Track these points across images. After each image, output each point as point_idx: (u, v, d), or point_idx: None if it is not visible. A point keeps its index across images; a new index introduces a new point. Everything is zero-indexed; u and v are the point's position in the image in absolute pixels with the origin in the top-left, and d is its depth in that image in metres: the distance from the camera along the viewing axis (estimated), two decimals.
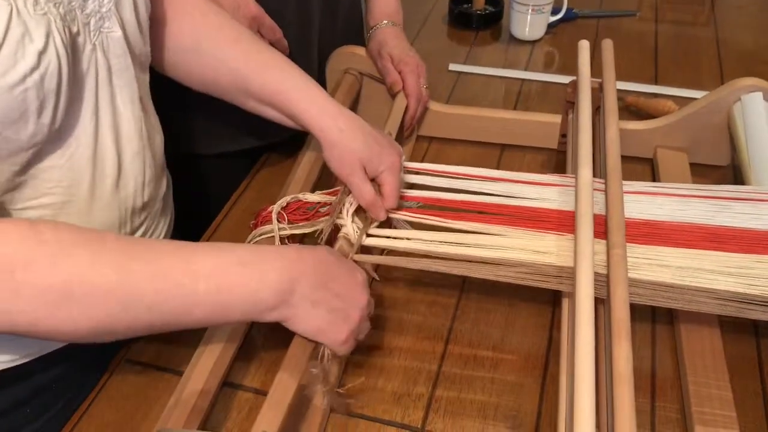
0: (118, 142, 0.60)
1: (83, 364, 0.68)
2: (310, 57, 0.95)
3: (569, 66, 1.17)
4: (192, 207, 0.86)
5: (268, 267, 0.53)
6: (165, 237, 0.72)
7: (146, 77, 0.65)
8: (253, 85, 0.70)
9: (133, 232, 0.66)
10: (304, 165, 0.81)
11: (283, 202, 0.73)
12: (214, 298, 0.50)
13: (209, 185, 0.99)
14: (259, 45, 0.71)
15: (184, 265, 0.50)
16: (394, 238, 0.69)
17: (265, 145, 0.97)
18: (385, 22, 0.95)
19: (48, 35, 0.48)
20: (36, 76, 0.48)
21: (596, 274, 0.59)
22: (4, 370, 0.60)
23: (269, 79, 0.69)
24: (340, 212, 0.70)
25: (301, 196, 0.74)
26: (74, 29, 0.52)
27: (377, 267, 0.78)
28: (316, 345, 0.58)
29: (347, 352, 0.60)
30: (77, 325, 0.47)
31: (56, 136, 0.53)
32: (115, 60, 0.58)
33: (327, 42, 0.98)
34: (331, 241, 0.70)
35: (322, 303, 0.55)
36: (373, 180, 0.70)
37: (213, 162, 0.96)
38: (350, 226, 0.70)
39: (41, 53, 0.48)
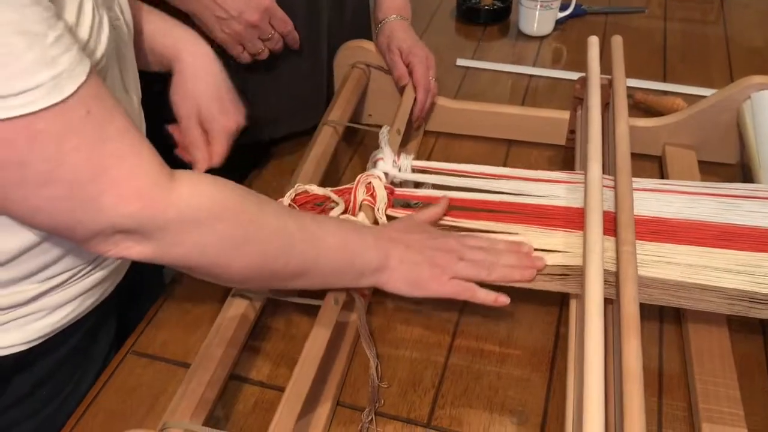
0: None
1: (86, 341, 0.69)
2: (319, 49, 0.95)
3: (577, 62, 1.17)
4: None
5: (368, 236, 0.64)
6: None
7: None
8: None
9: None
10: (312, 159, 0.80)
11: (291, 193, 0.72)
12: (337, 253, 0.61)
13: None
14: None
15: (317, 223, 0.61)
16: None
17: (269, 141, 0.97)
18: (394, 16, 0.95)
19: (109, 24, 0.53)
20: (105, 58, 0.52)
21: (605, 271, 0.58)
22: (24, 352, 0.61)
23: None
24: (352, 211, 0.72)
25: (308, 187, 0.73)
26: None
27: None
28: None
29: (452, 292, 0.65)
30: (249, 263, 0.55)
31: None
32: (122, 45, 0.60)
33: (336, 35, 0.98)
34: None
35: (410, 260, 0.64)
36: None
37: None
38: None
39: (108, 39, 0.52)
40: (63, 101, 0.43)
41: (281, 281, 0.60)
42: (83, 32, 0.48)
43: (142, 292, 0.78)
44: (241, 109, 0.74)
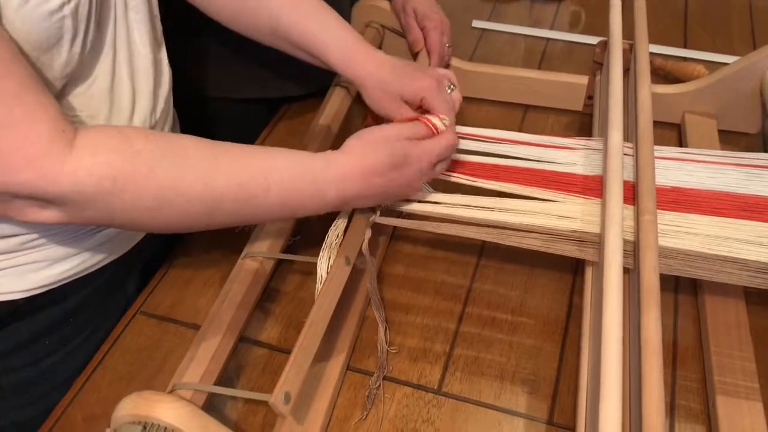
0: (133, 76, 0.61)
1: (100, 296, 0.69)
2: (342, 5, 0.92)
3: (596, 26, 1.14)
4: None
5: (326, 187, 0.57)
6: None
7: (158, 13, 0.65)
8: (292, 33, 0.71)
9: None
10: (324, 121, 0.79)
11: None
12: (282, 209, 0.57)
13: (225, 130, 0.98)
14: None
15: (259, 179, 0.54)
16: (417, 201, 0.68)
17: (284, 97, 0.96)
18: None
19: None
20: (72, 4, 0.49)
21: (623, 241, 0.57)
22: (23, 302, 0.61)
23: (307, 29, 0.71)
24: None
25: None
26: None
27: (394, 229, 0.76)
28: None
29: (420, 190, 0.66)
30: (168, 222, 0.53)
31: (80, 66, 0.54)
32: None
33: None
34: None
35: (378, 193, 0.61)
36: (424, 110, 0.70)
37: (229, 106, 0.95)
38: None
39: None
40: None
41: (221, 227, 0.57)
42: None
43: (172, 248, 0.77)
44: (420, 68, 0.73)
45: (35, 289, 0.61)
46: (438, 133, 0.65)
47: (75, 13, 0.50)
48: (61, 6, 0.48)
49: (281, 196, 0.55)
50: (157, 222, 0.52)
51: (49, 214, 0.49)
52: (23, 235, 0.58)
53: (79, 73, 0.55)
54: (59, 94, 0.54)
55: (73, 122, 0.48)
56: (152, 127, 0.65)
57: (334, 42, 0.71)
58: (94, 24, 0.53)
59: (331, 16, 0.72)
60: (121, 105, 0.59)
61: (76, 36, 0.51)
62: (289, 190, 0.56)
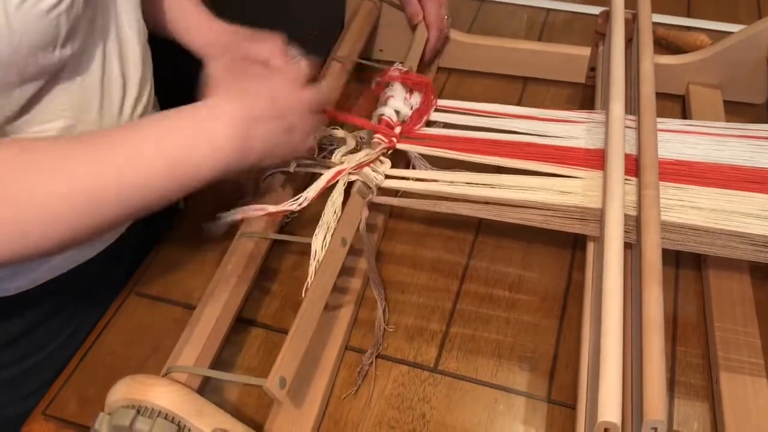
0: (123, 66, 0.60)
1: (90, 287, 0.68)
2: None
3: None
4: None
5: (207, 124, 0.53)
6: None
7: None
8: (160, 21, 0.69)
9: None
10: None
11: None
12: (174, 170, 0.50)
13: None
14: None
15: (133, 147, 0.49)
16: (414, 179, 0.66)
17: None
18: None
19: None
20: (68, 1, 0.48)
21: (625, 216, 0.56)
22: (14, 296, 0.60)
23: (162, 14, 0.69)
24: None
25: (330, 130, 0.70)
26: None
27: (392, 207, 0.75)
28: None
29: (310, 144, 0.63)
30: (45, 244, 0.46)
31: (73, 62, 0.53)
32: None
33: None
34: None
35: (267, 114, 0.55)
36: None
37: None
38: (368, 169, 0.67)
39: None
40: None
41: (122, 223, 0.52)
42: None
43: (157, 238, 0.76)
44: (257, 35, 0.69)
45: (26, 284, 0.60)
46: None
47: (70, 9, 0.49)
48: (57, 3, 0.48)
49: (162, 153, 0.50)
50: (34, 250, 0.46)
51: None
52: None
53: (72, 68, 0.54)
54: (47, 87, 0.53)
55: None
56: (143, 113, 0.63)
57: (177, 17, 0.69)
58: (87, 20, 0.53)
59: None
60: (111, 96, 0.58)
61: (71, 33, 0.51)
62: (168, 141, 0.51)
